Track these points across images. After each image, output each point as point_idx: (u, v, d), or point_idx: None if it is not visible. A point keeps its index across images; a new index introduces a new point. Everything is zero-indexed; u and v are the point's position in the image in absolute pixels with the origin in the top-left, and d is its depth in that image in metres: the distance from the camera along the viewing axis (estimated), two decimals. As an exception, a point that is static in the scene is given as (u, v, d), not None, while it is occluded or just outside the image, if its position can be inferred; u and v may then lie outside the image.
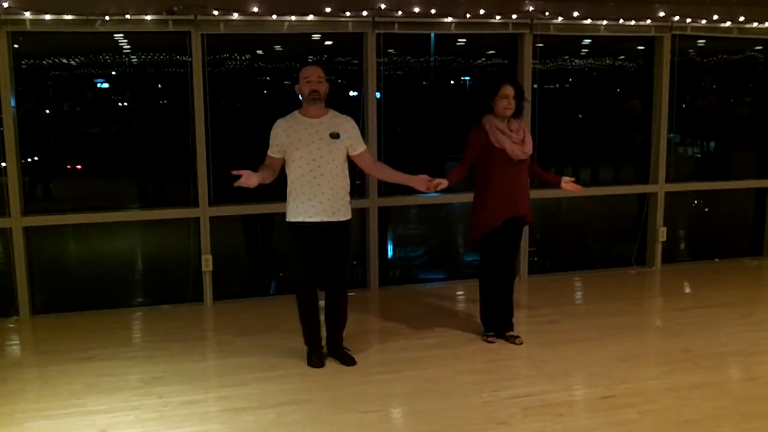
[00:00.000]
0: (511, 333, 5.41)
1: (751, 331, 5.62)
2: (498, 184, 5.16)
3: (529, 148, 5.20)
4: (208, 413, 4.29)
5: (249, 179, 4.61)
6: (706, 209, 8.32)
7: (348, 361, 5.02)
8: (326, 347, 5.10)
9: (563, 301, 6.53)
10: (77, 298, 6.36)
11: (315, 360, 4.97)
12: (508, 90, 5.12)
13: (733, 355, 5.14)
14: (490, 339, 5.40)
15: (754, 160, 8.00)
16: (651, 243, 7.55)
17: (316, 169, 4.75)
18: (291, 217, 4.83)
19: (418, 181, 4.96)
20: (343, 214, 4.88)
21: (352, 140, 4.91)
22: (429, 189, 4.98)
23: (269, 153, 4.86)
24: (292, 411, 4.29)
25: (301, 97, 4.87)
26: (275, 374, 4.82)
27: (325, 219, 4.78)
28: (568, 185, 5.40)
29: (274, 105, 6.71)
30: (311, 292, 4.96)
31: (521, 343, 5.32)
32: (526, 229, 5.79)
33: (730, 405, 4.32)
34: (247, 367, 4.95)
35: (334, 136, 4.80)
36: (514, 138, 5.13)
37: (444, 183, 5.02)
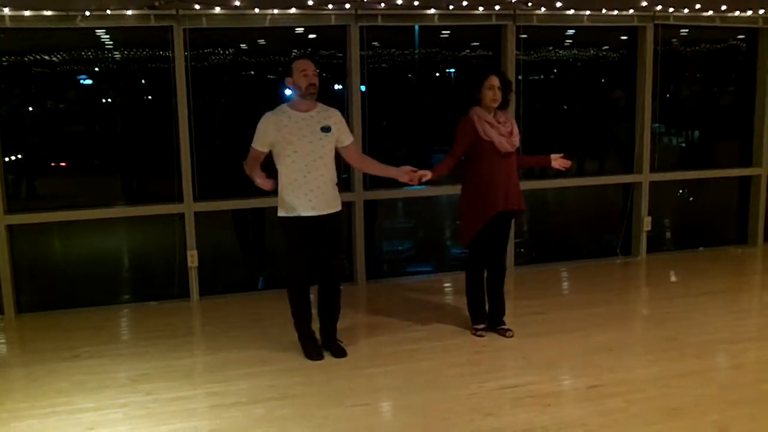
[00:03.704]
0: (502, 327, 5.40)
1: (736, 320, 5.67)
2: (486, 177, 5.12)
3: (516, 140, 5.18)
4: (197, 409, 4.28)
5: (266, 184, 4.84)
6: (691, 198, 8.36)
7: (340, 353, 5.05)
8: (320, 340, 5.12)
9: (550, 291, 6.55)
10: (63, 297, 6.33)
11: (314, 354, 4.99)
12: (494, 80, 5.09)
13: (718, 344, 5.18)
14: (479, 333, 5.36)
15: (738, 149, 8.03)
16: (636, 233, 7.59)
17: (311, 163, 4.76)
18: (285, 212, 4.82)
19: (402, 172, 5.02)
20: (336, 206, 4.93)
21: (341, 133, 4.93)
22: (413, 181, 5.01)
23: (256, 147, 4.80)
24: (281, 406, 4.28)
25: (293, 91, 4.83)
26: (264, 369, 4.82)
27: (320, 213, 4.82)
28: (557, 161, 5.36)
29: (259, 99, 6.69)
30: (304, 287, 4.99)
31: (512, 336, 5.31)
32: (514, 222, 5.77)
33: (716, 393, 4.35)
34: (235, 363, 4.95)
35: (326, 129, 4.83)
36: (502, 130, 5.11)
37: (428, 175, 5.03)
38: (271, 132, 4.74)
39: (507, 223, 5.35)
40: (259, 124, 4.80)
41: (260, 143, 4.79)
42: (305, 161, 4.75)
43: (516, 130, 5.20)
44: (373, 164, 5.24)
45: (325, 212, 4.83)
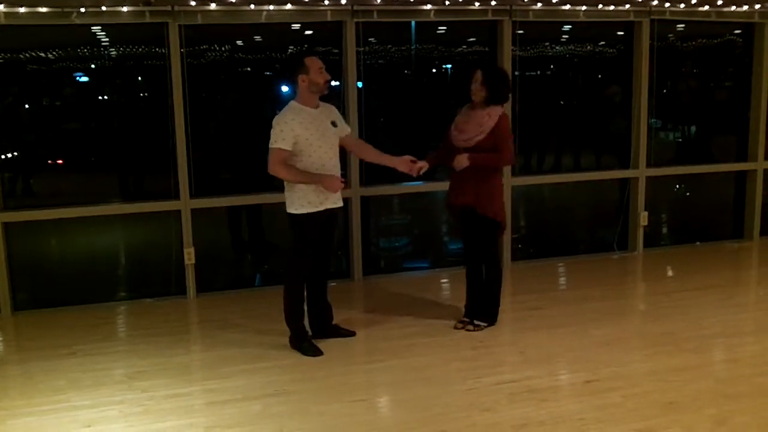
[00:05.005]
0: (472, 320, 5.41)
1: (732, 314, 5.67)
2: (451, 170, 5.23)
3: (464, 136, 5.09)
4: (193, 406, 4.28)
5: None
6: (688, 193, 8.36)
7: (350, 333, 5.31)
8: (318, 333, 5.22)
9: (547, 287, 6.55)
10: (59, 294, 6.32)
11: (315, 349, 5.00)
12: (476, 74, 5.12)
13: (715, 338, 5.18)
14: (457, 325, 5.44)
15: (734, 144, 8.04)
16: (633, 228, 7.59)
17: (334, 157, 4.90)
18: (308, 208, 4.81)
19: (402, 162, 5.10)
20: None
21: (342, 123, 5.07)
22: (412, 171, 5.07)
23: (283, 146, 4.68)
24: (277, 402, 4.28)
25: (306, 88, 4.81)
26: (260, 366, 4.82)
27: (338, 204, 4.98)
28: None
29: (256, 96, 6.68)
30: (304, 284, 5.07)
31: (467, 330, 5.35)
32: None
33: (713, 387, 4.36)
34: (232, 360, 4.94)
35: (334, 124, 4.96)
36: (459, 125, 5.16)
37: (426, 166, 5.11)
38: (298, 129, 4.72)
39: (467, 220, 5.29)
40: (280, 125, 4.72)
41: (287, 142, 4.69)
42: (329, 155, 4.85)
43: (471, 128, 5.06)
44: (373, 152, 5.29)
45: (340, 204, 4.99)
